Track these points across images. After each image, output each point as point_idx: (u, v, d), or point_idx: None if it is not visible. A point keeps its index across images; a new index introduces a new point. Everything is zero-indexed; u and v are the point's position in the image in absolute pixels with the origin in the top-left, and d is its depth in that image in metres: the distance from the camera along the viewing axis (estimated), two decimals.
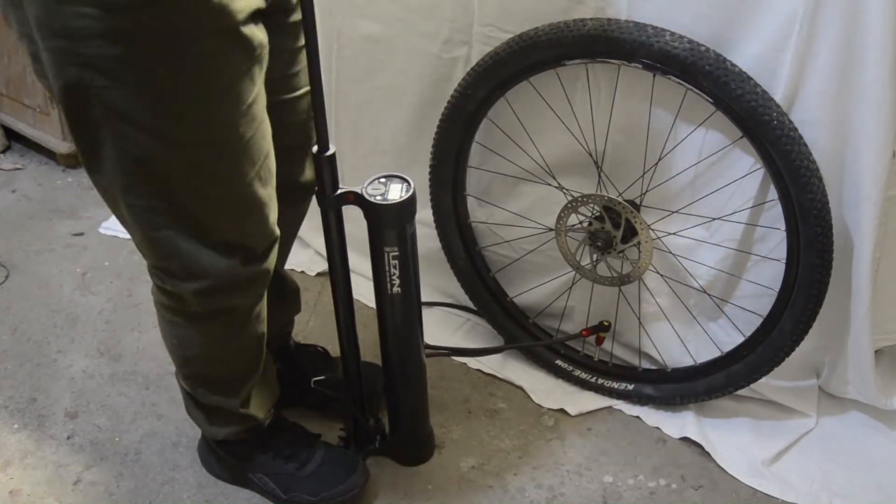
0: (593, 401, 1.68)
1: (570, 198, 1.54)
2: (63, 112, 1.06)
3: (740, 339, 1.54)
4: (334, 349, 1.57)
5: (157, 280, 1.26)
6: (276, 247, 1.26)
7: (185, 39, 0.99)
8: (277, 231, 1.25)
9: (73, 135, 1.08)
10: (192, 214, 1.15)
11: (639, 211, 1.49)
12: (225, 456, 1.51)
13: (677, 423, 1.62)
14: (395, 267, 1.31)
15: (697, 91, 1.32)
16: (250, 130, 1.11)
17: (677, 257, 1.54)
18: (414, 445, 1.57)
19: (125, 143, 1.06)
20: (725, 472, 1.53)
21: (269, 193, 1.20)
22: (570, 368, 1.71)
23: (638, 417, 1.64)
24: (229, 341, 1.32)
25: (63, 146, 2.38)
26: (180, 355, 1.36)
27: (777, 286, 1.44)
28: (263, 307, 1.34)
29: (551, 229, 1.60)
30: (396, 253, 1.30)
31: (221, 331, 1.30)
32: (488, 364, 1.75)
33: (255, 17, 1.07)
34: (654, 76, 1.37)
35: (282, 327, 1.62)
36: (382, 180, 1.29)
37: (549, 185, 1.59)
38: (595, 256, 1.57)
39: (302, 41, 1.23)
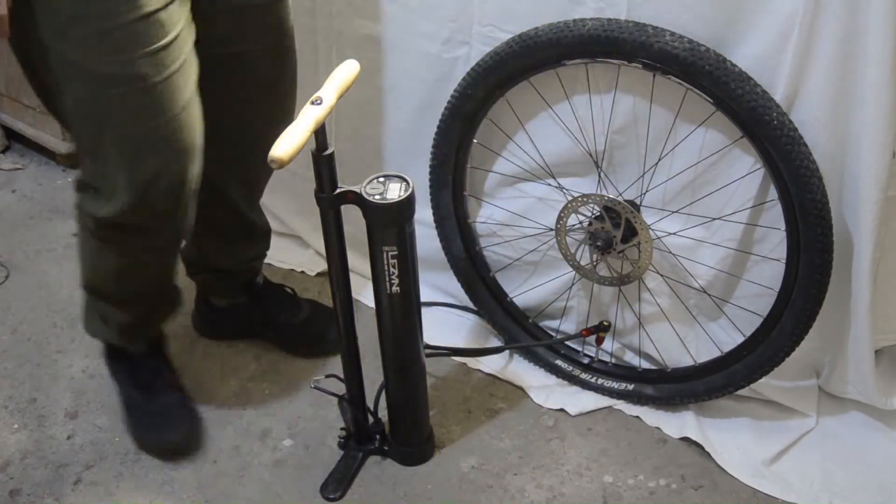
0: (593, 401, 1.67)
1: (570, 198, 1.54)
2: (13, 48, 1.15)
3: (740, 339, 1.53)
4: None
5: (78, 194, 1.35)
6: (189, 202, 1.31)
7: None
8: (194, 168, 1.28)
9: (18, 58, 1.17)
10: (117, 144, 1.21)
11: (639, 211, 1.49)
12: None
13: (677, 423, 1.62)
14: (394, 266, 1.31)
15: (697, 91, 1.32)
16: (159, 75, 1.12)
17: (677, 257, 1.54)
18: (414, 445, 1.57)
19: (51, 67, 1.13)
20: (725, 472, 1.53)
21: (188, 138, 1.23)
22: (570, 368, 1.71)
23: (638, 417, 1.64)
24: (127, 266, 1.41)
25: (63, 146, 2.37)
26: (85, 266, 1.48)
27: (777, 286, 1.44)
28: (167, 253, 1.43)
29: (551, 229, 1.60)
30: (395, 252, 1.30)
31: (117, 255, 1.39)
32: (488, 364, 1.75)
33: None
34: (654, 76, 1.37)
35: (248, 262, 1.70)
36: (381, 179, 1.29)
37: (549, 185, 1.59)
38: (595, 256, 1.57)
39: None
